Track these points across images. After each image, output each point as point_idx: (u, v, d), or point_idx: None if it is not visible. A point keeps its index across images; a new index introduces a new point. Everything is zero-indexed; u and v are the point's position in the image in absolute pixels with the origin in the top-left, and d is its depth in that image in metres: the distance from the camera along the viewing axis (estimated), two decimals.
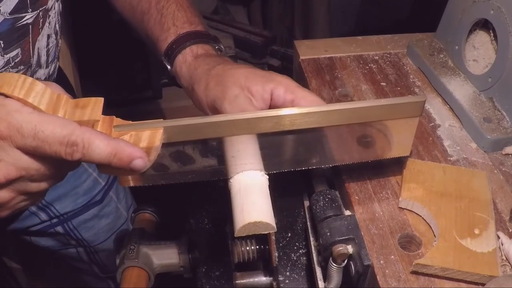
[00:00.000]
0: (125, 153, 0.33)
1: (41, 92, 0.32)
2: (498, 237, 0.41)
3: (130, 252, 0.51)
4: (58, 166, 0.33)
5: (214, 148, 0.38)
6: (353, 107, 0.38)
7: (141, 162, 0.33)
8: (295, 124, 0.37)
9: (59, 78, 0.63)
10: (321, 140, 0.41)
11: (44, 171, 0.33)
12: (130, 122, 0.35)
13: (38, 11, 0.47)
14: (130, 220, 0.62)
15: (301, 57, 0.64)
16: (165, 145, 0.35)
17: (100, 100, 0.34)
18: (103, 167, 0.34)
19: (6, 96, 0.32)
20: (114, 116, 0.35)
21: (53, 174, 0.33)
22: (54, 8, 0.51)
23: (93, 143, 0.32)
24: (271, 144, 0.39)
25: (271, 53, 1.36)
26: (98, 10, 1.06)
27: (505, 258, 0.40)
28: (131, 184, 0.38)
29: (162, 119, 0.35)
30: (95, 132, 0.32)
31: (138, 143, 0.34)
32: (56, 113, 0.33)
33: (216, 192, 0.57)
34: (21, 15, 0.45)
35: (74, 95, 0.74)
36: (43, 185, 0.34)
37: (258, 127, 0.37)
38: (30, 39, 0.48)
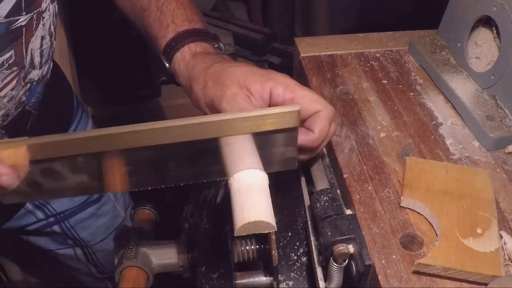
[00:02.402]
0: None
1: None
2: (501, 237, 0.41)
3: (128, 251, 0.51)
4: None
5: (86, 163, 0.37)
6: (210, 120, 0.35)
7: (6, 178, 0.33)
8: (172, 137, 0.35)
9: (57, 77, 0.62)
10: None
11: None
12: None
13: (32, 13, 0.47)
14: (130, 216, 0.62)
15: (302, 55, 0.64)
16: (34, 162, 0.35)
17: None
18: None
19: None
20: None
21: None
22: (49, 10, 0.51)
23: None
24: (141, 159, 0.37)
25: (271, 51, 1.36)
26: (97, 7, 1.05)
27: (508, 258, 0.40)
28: (10, 201, 0.38)
29: (26, 137, 0.35)
30: None
31: (2, 161, 0.34)
32: None
33: (216, 192, 0.57)
34: (15, 18, 0.45)
35: (71, 94, 0.74)
36: None
37: (136, 141, 0.35)
38: (23, 41, 0.48)
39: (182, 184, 0.39)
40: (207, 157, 0.38)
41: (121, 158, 0.37)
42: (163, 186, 0.39)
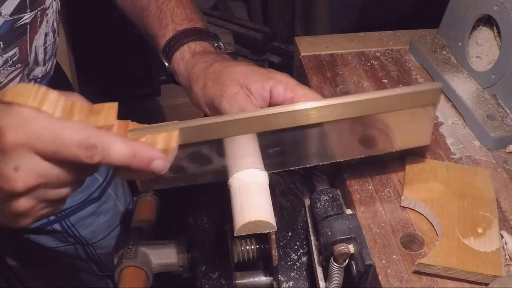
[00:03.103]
0: (145, 154, 0.32)
1: (55, 100, 0.32)
2: (502, 236, 0.40)
3: (128, 251, 0.50)
4: (77, 170, 0.33)
5: (231, 146, 0.38)
6: (364, 98, 0.38)
7: (161, 162, 0.33)
8: (310, 119, 0.37)
9: (57, 75, 0.62)
10: (334, 134, 0.40)
11: (64, 177, 0.32)
12: (146, 125, 0.35)
13: (37, 10, 0.47)
14: (132, 203, 0.62)
15: (302, 54, 0.63)
16: (181, 146, 0.35)
17: (114, 105, 0.34)
18: (120, 171, 0.34)
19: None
20: (130, 120, 0.35)
21: (72, 179, 0.33)
22: (52, 7, 0.51)
23: (112, 145, 0.32)
24: (273, 142, 0.38)
25: (272, 50, 1.35)
26: (97, 5, 1.05)
27: (509, 258, 0.40)
28: (151, 188, 0.38)
29: (177, 121, 0.35)
30: (113, 134, 0.32)
31: (155, 146, 0.34)
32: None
33: (216, 191, 0.56)
34: (20, 15, 0.45)
35: (72, 91, 0.74)
36: (62, 191, 0.34)
37: (273, 124, 0.37)
38: (28, 38, 0.48)
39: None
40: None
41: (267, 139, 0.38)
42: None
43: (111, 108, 0.34)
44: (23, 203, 0.32)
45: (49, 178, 0.32)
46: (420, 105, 0.40)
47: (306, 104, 0.37)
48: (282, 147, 0.40)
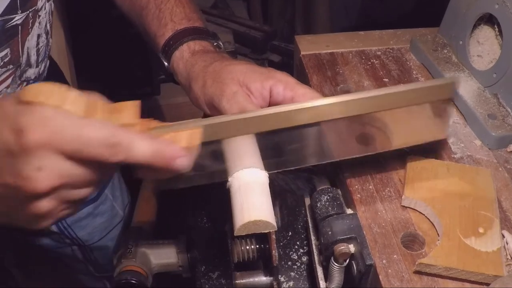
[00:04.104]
0: (168, 151, 0.32)
1: (76, 99, 0.32)
2: (503, 236, 0.40)
3: (127, 251, 0.50)
4: (100, 170, 0.32)
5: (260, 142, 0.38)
6: (370, 96, 0.38)
7: (184, 160, 0.33)
8: (319, 116, 0.37)
9: (55, 75, 0.62)
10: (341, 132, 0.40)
11: (86, 177, 0.32)
12: (169, 123, 0.35)
13: (28, 12, 0.47)
14: (130, 204, 0.61)
15: (302, 53, 0.63)
16: (203, 144, 0.35)
17: (137, 104, 0.34)
18: (142, 169, 0.34)
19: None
20: (152, 119, 0.35)
21: (95, 179, 0.32)
22: (45, 9, 0.51)
23: (135, 143, 0.31)
24: (271, 142, 0.38)
25: (272, 49, 1.35)
26: (96, 4, 1.05)
27: (510, 258, 0.39)
28: (171, 187, 0.38)
29: (200, 118, 0.36)
30: (137, 132, 0.32)
31: (178, 144, 0.34)
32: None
33: (216, 190, 0.56)
34: (10, 16, 0.44)
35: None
36: (84, 192, 0.33)
37: (294, 120, 0.37)
38: (19, 39, 0.47)
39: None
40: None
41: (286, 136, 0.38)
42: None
43: (133, 106, 0.34)
44: (44, 204, 0.31)
45: (72, 178, 0.31)
46: (438, 99, 0.40)
47: (310, 103, 0.37)
48: (280, 147, 0.40)
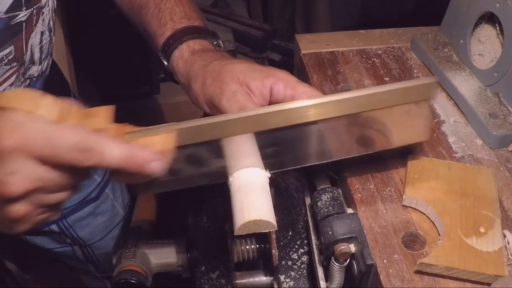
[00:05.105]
0: (141, 156, 0.32)
1: (51, 104, 0.32)
2: (504, 236, 0.40)
3: (127, 251, 0.50)
4: (74, 174, 0.33)
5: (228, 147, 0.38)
6: (359, 95, 0.37)
7: (157, 165, 0.33)
8: (305, 117, 0.37)
9: (54, 74, 0.61)
10: (330, 132, 0.40)
11: (60, 181, 0.32)
12: (142, 127, 0.35)
13: (32, 8, 0.47)
14: (130, 203, 0.61)
15: (302, 51, 0.63)
16: (178, 148, 0.35)
17: (110, 108, 0.34)
18: (117, 174, 0.34)
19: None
20: (127, 123, 0.35)
21: (69, 183, 0.33)
22: (48, 5, 0.50)
23: (108, 148, 0.31)
24: (270, 142, 0.38)
25: (272, 47, 1.35)
26: (96, 4, 1.04)
27: (511, 257, 0.39)
28: (148, 191, 0.38)
29: (174, 122, 0.35)
30: (109, 137, 0.32)
31: (152, 148, 0.34)
32: None
33: (215, 190, 0.56)
34: (15, 13, 0.44)
35: (69, 91, 0.73)
36: (59, 196, 0.33)
37: (269, 123, 0.37)
38: (23, 37, 0.47)
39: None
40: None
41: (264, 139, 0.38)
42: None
43: (107, 111, 0.34)
44: (19, 208, 0.32)
45: (46, 182, 0.31)
46: (415, 100, 0.39)
47: (301, 102, 0.37)
48: (279, 147, 0.40)
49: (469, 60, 0.56)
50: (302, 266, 0.46)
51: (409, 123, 0.41)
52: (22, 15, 0.45)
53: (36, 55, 0.51)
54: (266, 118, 0.36)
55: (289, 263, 0.46)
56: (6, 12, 0.43)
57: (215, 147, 0.37)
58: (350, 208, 0.44)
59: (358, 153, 0.42)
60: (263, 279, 0.46)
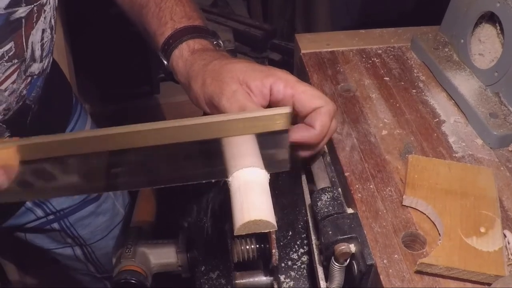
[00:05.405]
0: None
1: None
2: (505, 236, 0.40)
3: (127, 251, 0.50)
4: None
5: (74, 164, 0.37)
6: (208, 121, 0.35)
7: None
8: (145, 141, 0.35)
9: (55, 73, 0.61)
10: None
11: None
12: None
13: (33, 5, 0.47)
14: (130, 203, 0.61)
15: (302, 51, 0.63)
16: (25, 162, 0.36)
17: None
18: None
19: None
20: None
21: None
22: (49, 3, 0.50)
23: None
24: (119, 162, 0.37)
25: (272, 47, 1.35)
26: (96, 3, 1.04)
27: (511, 257, 0.39)
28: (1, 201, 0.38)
29: (18, 138, 0.36)
30: None
31: None
32: None
33: (215, 190, 0.56)
34: (14, 9, 0.44)
35: (70, 90, 0.73)
36: None
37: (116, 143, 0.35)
38: (23, 33, 0.47)
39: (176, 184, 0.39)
40: (198, 159, 0.39)
41: (112, 159, 0.36)
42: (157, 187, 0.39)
43: None
44: None
45: None
46: (271, 130, 0.36)
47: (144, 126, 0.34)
48: (124, 168, 0.38)
49: (469, 60, 0.56)
50: (302, 266, 0.46)
51: (266, 152, 0.38)
52: (22, 11, 0.45)
53: (37, 53, 0.51)
54: (115, 138, 0.34)
55: (289, 263, 0.46)
56: (6, 7, 0.43)
57: (60, 164, 0.37)
58: (350, 208, 0.44)
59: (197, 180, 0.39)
60: (263, 279, 0.46)
